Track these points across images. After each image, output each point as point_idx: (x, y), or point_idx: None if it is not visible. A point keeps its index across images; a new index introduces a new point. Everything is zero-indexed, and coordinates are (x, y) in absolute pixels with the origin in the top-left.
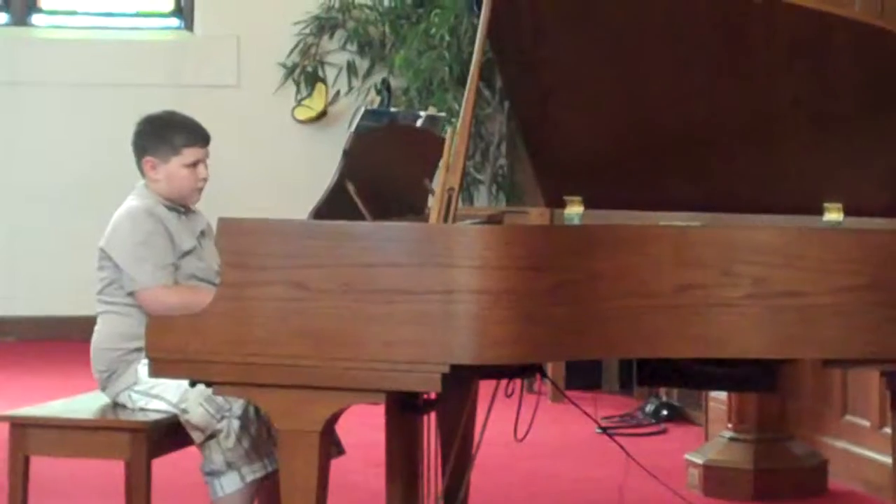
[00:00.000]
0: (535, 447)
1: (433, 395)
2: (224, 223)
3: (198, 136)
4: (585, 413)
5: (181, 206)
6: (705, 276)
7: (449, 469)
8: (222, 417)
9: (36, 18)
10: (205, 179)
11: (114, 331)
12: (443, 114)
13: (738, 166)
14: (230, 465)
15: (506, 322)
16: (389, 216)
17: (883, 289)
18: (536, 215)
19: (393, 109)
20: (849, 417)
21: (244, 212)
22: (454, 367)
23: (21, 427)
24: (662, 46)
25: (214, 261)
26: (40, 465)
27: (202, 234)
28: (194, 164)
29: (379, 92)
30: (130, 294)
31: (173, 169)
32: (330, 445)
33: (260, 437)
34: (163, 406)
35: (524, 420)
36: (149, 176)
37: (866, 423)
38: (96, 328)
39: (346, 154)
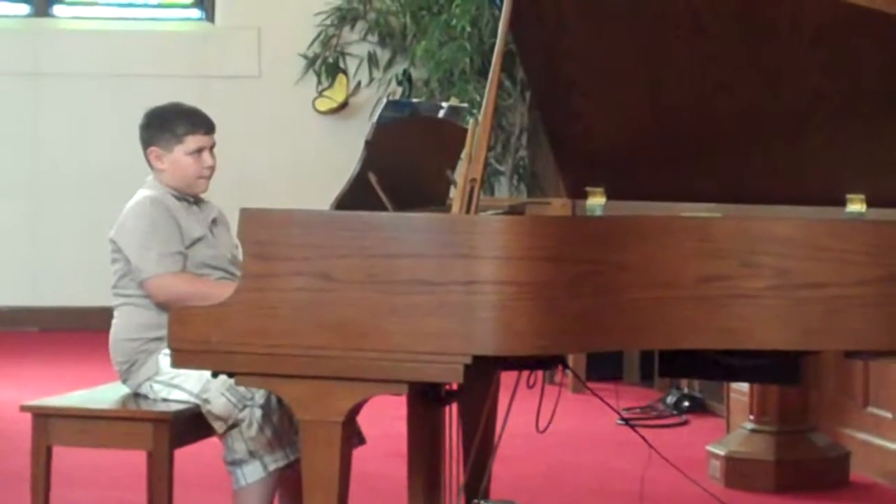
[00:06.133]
0: (556, 438)
1: (455, 386)
2: (247, 214)
3: (200, 123)
4: (607, 404)
5: (190, 196)
6: (728, 268)
7: (470, 460)
8: (244, 407)
9: (57, 9)
10: (211, 167)
11: (131, 322)
12: (465, 105)
13: (761, 157)
14: (252, 455)
15: (528, 313)
16: (411, 207)
17: None
18: (559, 206)
19: (415, 100)
20: (871, 409)
21: (265, 202)
22: (476, 359)
23: (44, 417)
24: (685, 37)
25: (227, 249)
26: (63, 456)
27: (214, 221)
28: (198, 152)
29: (400, 83)
30: (140, 284)
31: (177, 157)
32: (352, 435)
33: (282, 426)
34: (184, 396)
35: (546, 411)
36: (155, 166)
37: (888, 415)
38: (114, 321)
39: (368, 145)
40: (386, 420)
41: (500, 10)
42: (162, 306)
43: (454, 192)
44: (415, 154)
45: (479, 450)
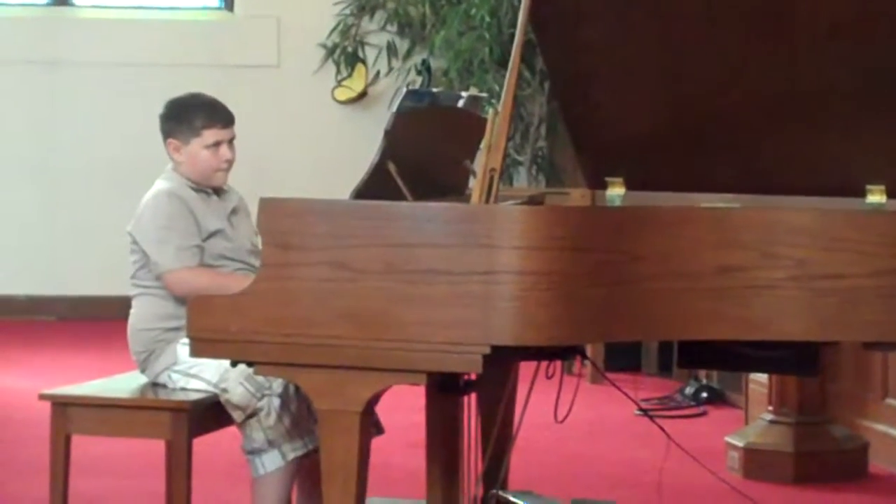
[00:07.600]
0: (574, 429)
1: (474, 376)
2: (266, 203)
3: (218, 116)
4: (625, 395)
5: (209, 188)
6: (746, 258)
7: (489, 450)
8: (263, 396)
9: None
10: (229, 161)
11: (149, 311)
12: (484, 94)
13: (780, 148)
14: (271, 444)
15: (547, 303)
16: (430, 197)
17: None
18: (578, 196)
19: (434, 90)
20: (889, 400)
21: (284, 192)
22: (495, 348)
23: (62, 406)
24: (704, 28)
25: (247, 238)
26: (81, 444)
27: (233, 211)
28: (216, 145)
29: (419, 73)
30: (158, 277)
31: (194, 150)
32: (370, 425)
33: (300, 414)
34: (202, 385)
35: (564, 401)
36: (173, 158)
37: None
38: (132, 311)
39: (388, 134)
40: (404, 410)
41: (520, 0)
42: (180, 298)
43: (473, 182)
44: (434, 144)
45: (497, 440)
